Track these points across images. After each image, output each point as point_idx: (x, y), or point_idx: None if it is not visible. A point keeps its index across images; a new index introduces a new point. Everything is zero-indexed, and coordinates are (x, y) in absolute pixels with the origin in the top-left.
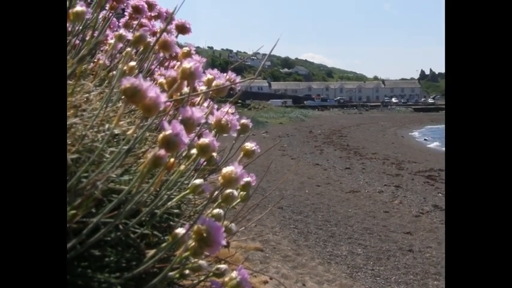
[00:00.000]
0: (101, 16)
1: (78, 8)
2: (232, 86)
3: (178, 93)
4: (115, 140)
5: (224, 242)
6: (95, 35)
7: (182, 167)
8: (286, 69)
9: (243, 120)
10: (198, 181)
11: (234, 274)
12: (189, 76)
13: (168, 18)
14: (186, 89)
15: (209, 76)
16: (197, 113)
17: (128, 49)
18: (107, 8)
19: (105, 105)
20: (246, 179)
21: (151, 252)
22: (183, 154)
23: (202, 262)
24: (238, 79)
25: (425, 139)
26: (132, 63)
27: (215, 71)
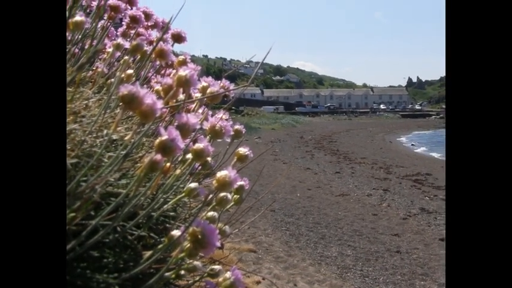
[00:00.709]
0: (99, 26)
1: (78, 17)
2: (226, 93)
3: (174, 100)
4: (113, 145)
5: (218, 244)
6: (94, 44)
7: (178, 171)
8: (278, 77)
9: (237, 126)
10: (193, 185)
11: (227, 274)
12: (185, 83)
13: (164, 27)
14: (181, 96)
15: (204, 83)
16: (192, 119)
17: (126, 57)
18: (105, 17)
19: (103, 112)
20: (240, 182)
21: (148, 253)
22: (179, 159)
23: (197, 263)
24: (231, 86)
25: (412, 144)
26: (130, 71)
27: (210, 78)
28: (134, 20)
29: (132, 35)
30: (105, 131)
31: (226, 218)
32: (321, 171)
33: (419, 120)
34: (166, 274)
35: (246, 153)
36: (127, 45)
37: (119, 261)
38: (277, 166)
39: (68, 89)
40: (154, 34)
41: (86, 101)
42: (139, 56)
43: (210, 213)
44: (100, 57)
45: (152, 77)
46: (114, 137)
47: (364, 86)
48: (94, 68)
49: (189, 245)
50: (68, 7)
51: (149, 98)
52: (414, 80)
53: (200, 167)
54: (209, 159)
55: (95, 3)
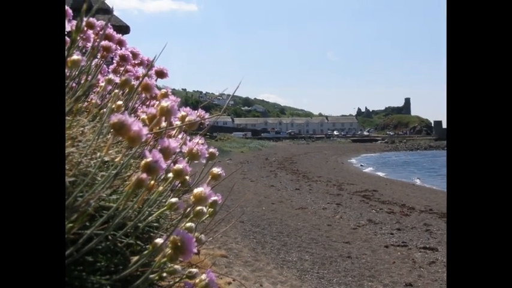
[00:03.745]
0: (93, 63)
1: (75, 56)
2: (202, 121)
3: (158, 127)
4: (105, 165)
5: (195, 250)
6: (89, 79)
7: (161, 188)
8: (246, 107)
9: (211, 150)
10: (173, 200)
11: (203, 276)
12: (166, 113)
13: (148, 65)
14: (164, 124)
15: (183, 113)
16: (173, 143)
17: (116, 91)
18: (98, 56)
19: (97, 137)
20: (213, 198)
21: (135, 258)
22: (162, 177)
23: (177, 266)
24: (207, 115)
25: (361, 165)
26: (119, 102)
27: (188, 108)
28: (123, 58)
29: (121, 71)
30: (98, 154)
31: (202, 228)
32: (283, 188)
33: (367, 145)
34: (151, 276)
35: (219, 172)
36: (117, 80)
37: (110, 265)
38: (246, 184)
39: (67, 117)
40: (141, 71)
41: (82, 128)
42: (127, 90)
43: (188, 224)
44: (94, 90)
45: (139, 107)
46: (106, 158)
47: (320, 115)
48: (89, 100)
49: (170, 251)
50: (66, 47)
51: (136, 126)
52: (363, 109)
53: (180, 185)
54: (187, 177)
55: (89, 44)
